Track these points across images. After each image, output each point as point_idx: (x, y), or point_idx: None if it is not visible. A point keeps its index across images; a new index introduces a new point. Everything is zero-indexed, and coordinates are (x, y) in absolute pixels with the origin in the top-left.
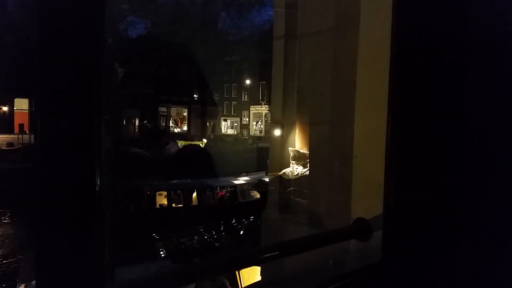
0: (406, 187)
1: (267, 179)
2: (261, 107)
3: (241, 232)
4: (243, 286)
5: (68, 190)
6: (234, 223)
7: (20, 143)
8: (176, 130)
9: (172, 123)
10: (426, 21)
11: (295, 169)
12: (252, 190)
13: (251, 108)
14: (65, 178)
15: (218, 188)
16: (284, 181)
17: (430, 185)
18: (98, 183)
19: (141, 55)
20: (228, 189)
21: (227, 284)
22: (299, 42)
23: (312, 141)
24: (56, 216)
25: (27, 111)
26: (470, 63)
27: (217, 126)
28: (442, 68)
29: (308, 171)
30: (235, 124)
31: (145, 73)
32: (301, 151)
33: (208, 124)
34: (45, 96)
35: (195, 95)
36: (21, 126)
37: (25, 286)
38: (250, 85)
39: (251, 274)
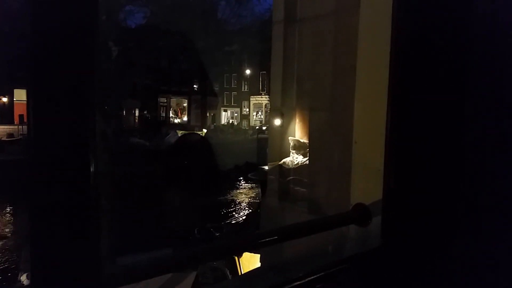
0: (405, 172)
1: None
2: (261, 97)
3: None
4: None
5: (62, 177)
6: None
7: (20, 134)
8: (176, 121)
9: (172, 113)
10: (428, 5)
11: (295, 159)
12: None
13: (251, 99)
14: (59, 164)
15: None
16: (284, 170)
17: (430, 171)
18: (92, 170)
19: (140, 45)
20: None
21: (228, 273)
22: (298, 26)
23: (312, 127)
24: (51, 202)
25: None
26: (473, 47)
27: (217, 117)
28: (443, 52)
29: (308, 161)
30: (235, 114)
31: (144, 63)
32: (301, 140)
33: (208, 114)
34: (38, 89)
35: (195, 86)
36: (21, 117)
37: (26, 276)
38: (250, 75)
39: (251, 261)
